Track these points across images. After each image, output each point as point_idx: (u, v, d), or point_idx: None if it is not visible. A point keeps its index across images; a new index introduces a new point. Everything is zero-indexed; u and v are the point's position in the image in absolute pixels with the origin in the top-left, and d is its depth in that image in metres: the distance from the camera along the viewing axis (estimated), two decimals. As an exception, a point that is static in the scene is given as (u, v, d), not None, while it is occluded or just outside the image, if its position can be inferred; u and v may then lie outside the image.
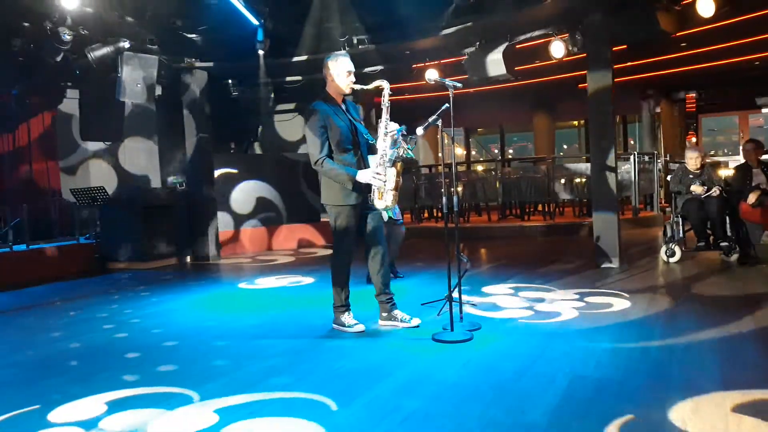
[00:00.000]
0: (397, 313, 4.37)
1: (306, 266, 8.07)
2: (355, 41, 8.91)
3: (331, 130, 4.12)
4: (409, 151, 4.30)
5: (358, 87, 4.32)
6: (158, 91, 8.34)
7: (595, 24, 6.76)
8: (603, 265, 6.68)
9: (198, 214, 9.18)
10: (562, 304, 4.91)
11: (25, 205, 8.09)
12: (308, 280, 6.94)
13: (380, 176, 4.06)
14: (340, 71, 4.21)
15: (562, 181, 11.16)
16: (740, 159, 7.60)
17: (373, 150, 4.22)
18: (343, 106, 4.28)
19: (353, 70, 4.26)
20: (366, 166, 4.20)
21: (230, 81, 10.03)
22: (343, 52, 4.44)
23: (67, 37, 7.02)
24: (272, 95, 10.27)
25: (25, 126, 8.99)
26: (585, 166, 10.92)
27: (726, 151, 16.18)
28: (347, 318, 4.34)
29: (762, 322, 4.03)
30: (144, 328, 4.82)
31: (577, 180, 11.19)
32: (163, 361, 3.82)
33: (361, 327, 4.28)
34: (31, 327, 5.17)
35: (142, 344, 4.29)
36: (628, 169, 11.25)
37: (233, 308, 5.61)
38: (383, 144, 4.10)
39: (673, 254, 6.78)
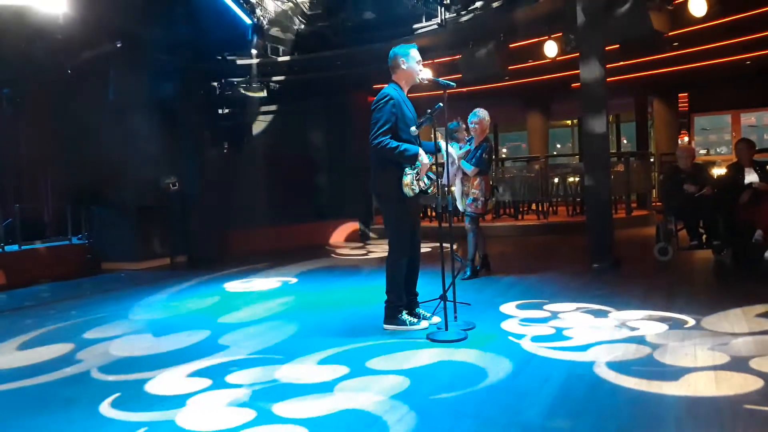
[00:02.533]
0: (419, 311, 4.44)
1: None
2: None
3: (401, 120, 4.10)
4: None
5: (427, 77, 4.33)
6: (150, 91, 8.31)
7: (588, 23, 6.77)
8: (595, 265, 6.67)
9: (192, 214, 9.12)
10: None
11: (17, 205, 8.03)
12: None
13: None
14: (413, 60, 4.21)
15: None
16: (732, 158, 7.64)
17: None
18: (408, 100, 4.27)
19: (421, 59, 4.29)
20: None
21: (223, 80, 9.98)
22: (412, 43, 4.40)
23: (59, 37, 6.98)
24: (265, 94, 10.21)
25: (17, 126, 8.91)
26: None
27: (718, 150, 16.26)
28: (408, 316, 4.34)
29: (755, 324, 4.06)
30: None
31: (570, 179, 11.22)
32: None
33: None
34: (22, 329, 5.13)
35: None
36: (621, 168, 11.27)
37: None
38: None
39: (665, 253, 6.78)
